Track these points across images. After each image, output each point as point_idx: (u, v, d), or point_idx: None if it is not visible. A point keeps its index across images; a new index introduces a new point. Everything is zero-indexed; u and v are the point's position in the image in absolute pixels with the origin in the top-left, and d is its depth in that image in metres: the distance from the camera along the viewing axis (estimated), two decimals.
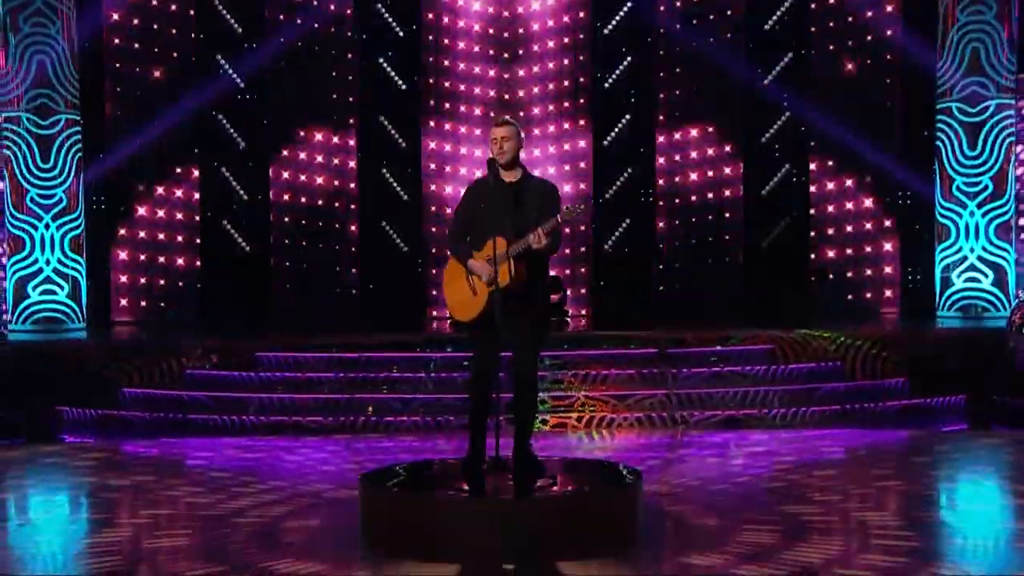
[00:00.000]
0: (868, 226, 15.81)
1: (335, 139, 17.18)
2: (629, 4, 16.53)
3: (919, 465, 9.76)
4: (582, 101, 17.52)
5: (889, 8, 15.29)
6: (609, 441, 11.46)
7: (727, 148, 16.85)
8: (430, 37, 17.45)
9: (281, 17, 16.48)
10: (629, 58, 16.69)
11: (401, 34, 16.89)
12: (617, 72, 16.77)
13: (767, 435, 11.38)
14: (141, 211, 16.16)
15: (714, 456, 10.23)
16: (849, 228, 16.05)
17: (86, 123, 14.68)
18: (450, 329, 7.49)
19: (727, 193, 16.90)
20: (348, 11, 16.93)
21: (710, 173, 17.04)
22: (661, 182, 17.35)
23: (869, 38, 15.58)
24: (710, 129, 17.00)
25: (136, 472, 9.90)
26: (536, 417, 8.04)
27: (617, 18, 16.76)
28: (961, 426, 11.99)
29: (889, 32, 15.24)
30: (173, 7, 15.97)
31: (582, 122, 17.68)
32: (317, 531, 7.38)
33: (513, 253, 6.23)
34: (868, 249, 15.79)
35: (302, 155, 16.92)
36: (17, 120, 14.33)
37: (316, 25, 16.76)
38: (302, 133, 16.93)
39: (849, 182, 15.99)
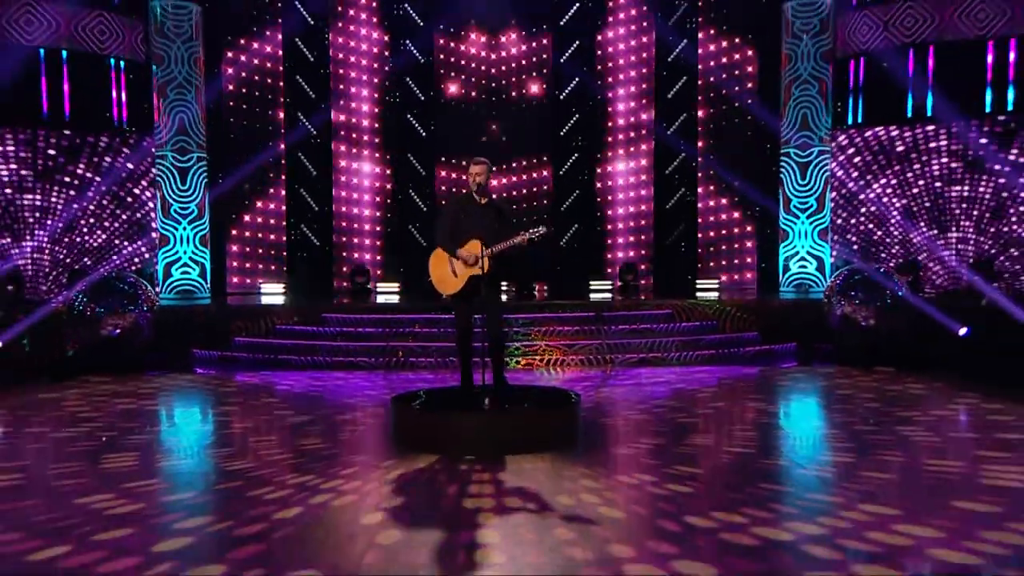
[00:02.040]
0: (736, 230, 15.74)
1: (376, 169, 17.15)
2: (576, 79, 16.44)
3: (765, 388, 10.32)
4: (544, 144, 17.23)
5: (749, 85, 15.21)
6: (561, 375, 11.38)
7: (643, 177, 16.69)
8: (441, 101, 17.20)
9: (340, 87, 16.29)
10: (577, 115, 16.62)
11: (422, 97, 16.79)
12: (568, 124, 16.75)
13: (667, 370, 11.51)
14: (247, 217, 16.11)
15: (631, 384, 10.35)
16: (724, 231, 16.11)
17: (210, 158, 14.64)
18: (436, 300, 7.65)
19: (643, 208, 16.82)
20: (387, 82, 16.73)
21: (631, 193, 16.98)
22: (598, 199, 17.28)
23: (736, 104, 15.36)
24: (631, 164, 16.78)
25: (243, 394, 10.23)
26: (505, 358, 7.90)
27: (569, 88, 16.61)
28: (792, 363, 12.12)
29: (749, 102, 15.09)
30: (268, 80, 15.88)
31: (545, 158, 17.55)
32: (362, 432, 7.75)
33: (496, 252, 6.62)
34: (736, 246, 15.74)
35: (354, 180, 16.89)
36: (164, 157, 14.28)
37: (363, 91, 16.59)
38: (354, 165, 16.83)
39: (724, 201, 15.91)
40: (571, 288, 15.93)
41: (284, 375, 11.47)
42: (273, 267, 16.07)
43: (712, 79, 15.86)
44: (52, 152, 14.33)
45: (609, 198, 17.14)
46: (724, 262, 16.03)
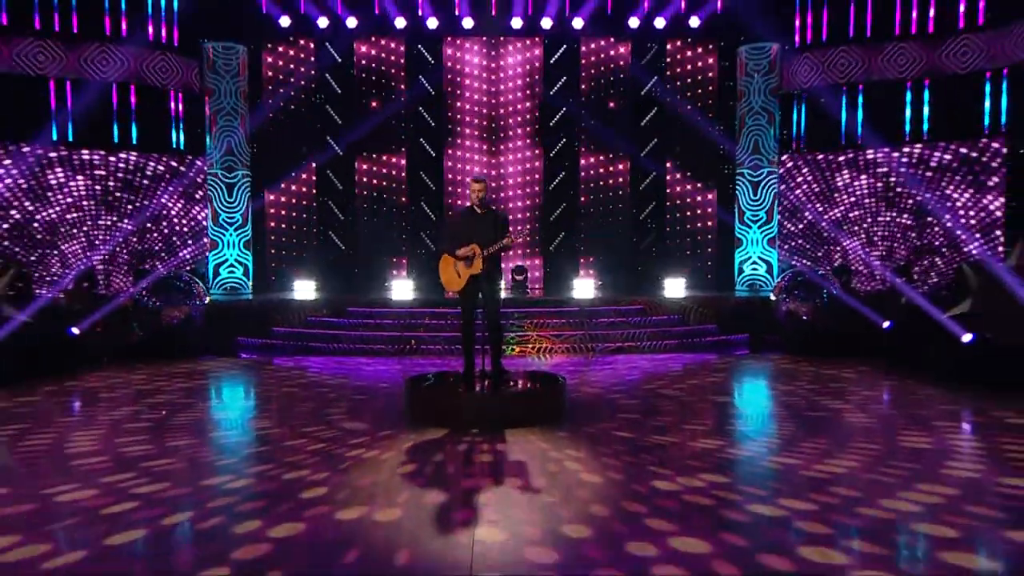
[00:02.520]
0: (699, 238, 15.88)
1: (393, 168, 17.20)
2: (564, 109, 16.51)
3: (721, 371, 10.60)
4: (538, 164, 17.08)
5: (710, 115, 15.36)
6: (549, 361, 11.51)
7: (620, 192, 16.62)
8: (448, 114, 17.04)
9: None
10: (564, 139, 16.65)
11: (433, 124, 16.84)
12: (557, 147, 16.82)
13: (639, 357, 11.71)
14: (283, 225, 16.13)
15: (609, 369, 10.52)
16: (688, 240, 16.21)
17: (253, 175, 14.88)
18: (445, 296, 7.77)
19: (620, 218, 16.75)
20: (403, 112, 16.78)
21: (611, 207, 17.02)
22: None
23: (699, 132, 15.44)
24: (610, 194, 16.75)
25: (280, 375, 10.46)
26: (502, 346, 8.00)
27: (558, 116, 16.64)
28: (745, 351, 12.41)
29: (710, 129, 15.24)
30: (303, 109, 15.95)
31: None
32: (380, 408, 7.81)
33: (487, 253, 6.85)
34: (699, 251, 15.89)
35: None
36: (215, 174, 14.53)
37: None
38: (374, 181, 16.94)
39: (688, 213, 16.10)
40: (559, 287, 15.97)
41: (314, 359, 11.66)
42: (305, 267, 16.13)
43: (679, 110, 15.82)
44: (121, 170, 14.44)
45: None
46: (689, 264, 15.98)
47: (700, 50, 15.55)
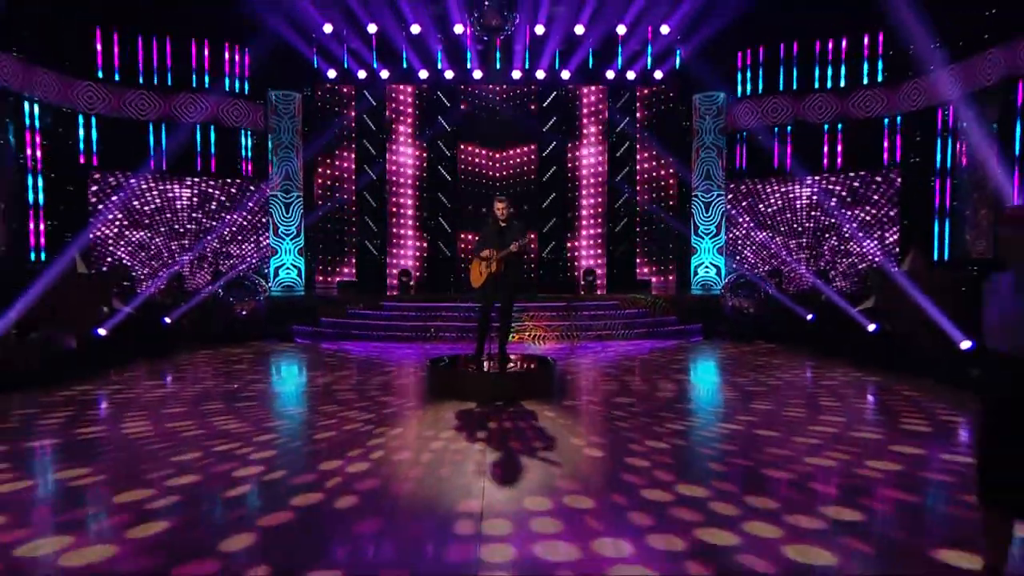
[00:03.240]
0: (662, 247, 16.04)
1: (416, 203, 17.15)
2: (554, 143, 16.61)
3: (680, 352, 10.69)
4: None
5: (670, 149, 15.50)
6: (542, 347, 11.52)
7: (599, 210, 16.65)
8: (460, 145, 17.23)
9: (393, 147, 16.54)
10: (555, 167, 16.78)
11: (448, 153, 17.04)
12: (549, 173, 16.95)
13: (615, 343, 11.80)
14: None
15: (591, 353, 10.59)
16: (655, 247, 16.29)
17: (305, 196, 15.00)
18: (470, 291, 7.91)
19: (600, 230, 16.76)
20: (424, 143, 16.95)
21: (593, 221, 17.03)
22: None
23: (663, 162, 15.55)
24: (593, 211, 16.73)
25: (325, 357, 10.59)
26: (510, 335, 8.04)
27: (550, 148, 16.63)
28: (699, 338, 12.51)
29: (670, 159, 15.37)
30: (344, 143, 16.12)
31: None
32: (408, 385, 7.92)
33: (500, 256, 6.82)
34: (663, 256, 16.00)
35: (401, 211, 17.00)
36: (276, 195, 14.68)
37: (408, 150, 16.73)
38: (401, 200, 16.96)
39: (653, 226, 16.16)
40: (553, 286, 16.01)
41: (354, 344, 11.78)
42: (347, 269, 16.30)
43: (648, 144, 15.93)
44: (203, 192, 14.66)
45: (576, 224, 17.12)
46: (655, 267, 16.10)
47: (663, 97, 15.61)
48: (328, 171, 15.99)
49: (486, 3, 11.82)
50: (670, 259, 15.59)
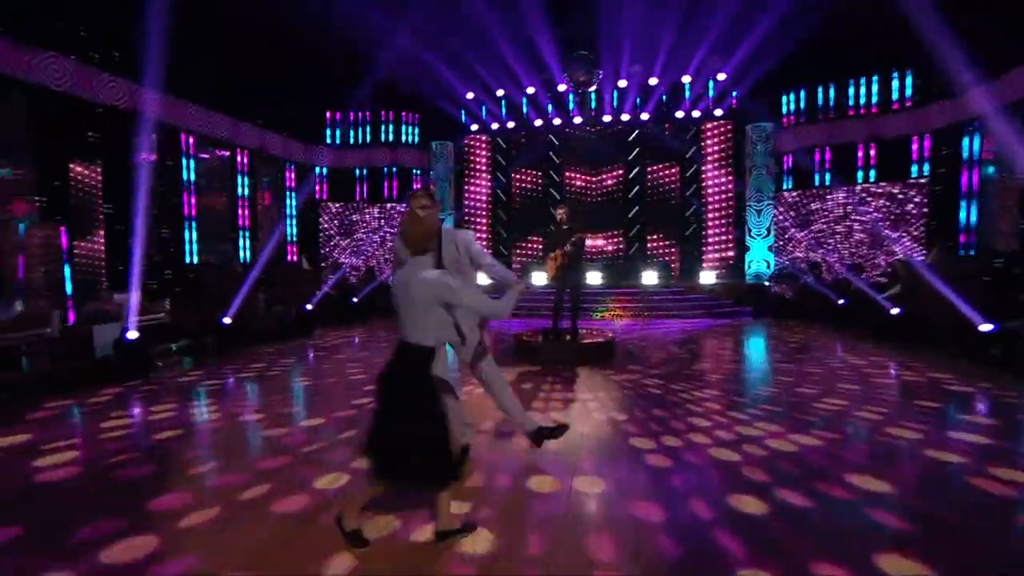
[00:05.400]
0: (723, 245, 14.97)
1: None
2: (636, 168, 16.18)
3: (734, 331, 9.79)
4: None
5: (729, 169, 14.53)
6: (619, 324, 10.90)
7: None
8: (565, 173, 17.26)
9: (514, 173, 16.75)
10: (637, 187, 16.26)
11: (557, 179, 16.92)
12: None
13: (679, 321, 11.23)
14: None
15: (657, 330, 9.91)
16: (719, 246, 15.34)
17: (455, 216, 15.57)
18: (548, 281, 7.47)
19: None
20: (539, 174, 16.95)
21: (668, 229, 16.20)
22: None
23: (723, 180, 14.57)
24: (668, 217, 15.98)
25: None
26: (579, 314, 7.12)
27: (633, 172, 16.18)
28: (749, 318, 11.72)
29: (729, 177, 14.41)
30: (484, 174, 16.63)
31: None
32: (505, 350, 7.55)
33: (561, 252, 6.15)
34: (723, 254, 15.03)
35: None
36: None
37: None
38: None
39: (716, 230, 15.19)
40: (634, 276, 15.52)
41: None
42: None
43: (710, 165, 14.96)
44: (387, 212, 15.48)
45: (654, 229, 16.37)
46: (717, 262, 15.12)
47: (721, 128, 14.66)
48: (472, 189, 16.05)
49: (576, 64, 11.79)
50: (729, 256, 14.59)
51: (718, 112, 14.20)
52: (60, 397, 5.02)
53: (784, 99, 13.78)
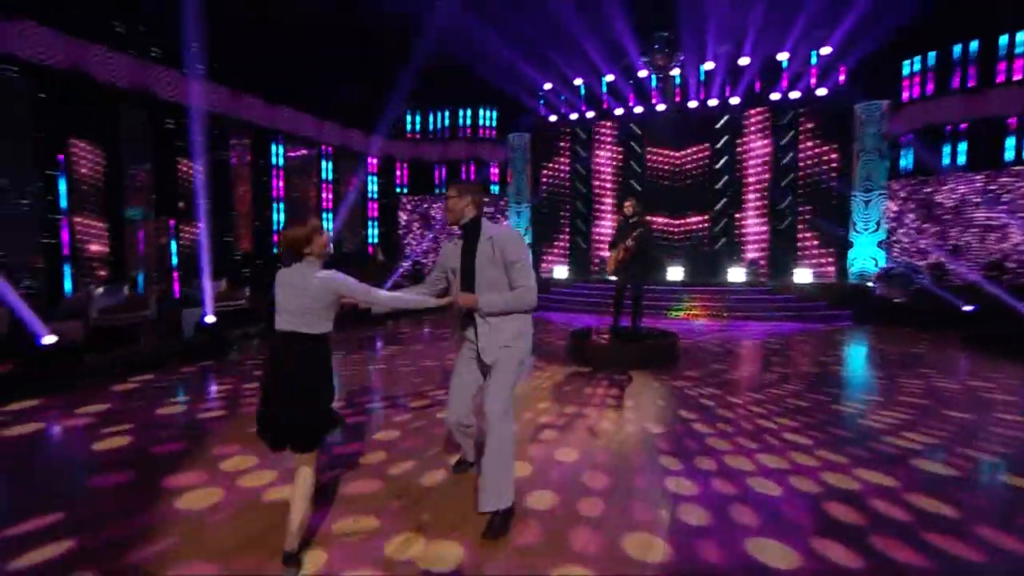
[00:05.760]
0: (815, 242, 13.52)
1: (610, 210, 16.38)
2: (726, 156, 14.86)
3: (826, 337, 8.73)
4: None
5: (834, 158, 12.94)
6: (698, 324, 10.28)
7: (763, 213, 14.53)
8: (646, 162, 16.29)
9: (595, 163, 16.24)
10: (728, 176, 15.04)
11: (638, 170, 16.08)
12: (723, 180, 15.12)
13: (764, 324, 10.29)
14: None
15: (737, 333, 9.08)
16: (807, 244, 13.78)
17: (532, 206, 15.51)
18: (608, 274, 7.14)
19: (763, 228, 14.69)
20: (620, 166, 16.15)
21: (758, 219, 14.91)
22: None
23: (824, 167, 13.04)
24: (757, 203, 14.73)
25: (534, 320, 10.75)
26: (642, 312, 6.63)
27: (722, 161, 14.93)
28: (848, 323, 10.55)
29: (831, 164, 12.84)
30: (561, 167, 16.23)
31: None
32: (558, 347, 7.37)
33: (624, 247, 6.08)
34: (816, 251, 13.53)
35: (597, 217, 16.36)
36: (510, 205, 15.22)
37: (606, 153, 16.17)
38: (599, 208, 16.50)
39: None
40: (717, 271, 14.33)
41: (552, 314, 11.59)
42: (560, 259, 16.37)
43: (810, 152, 13.43)
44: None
45: (743, 223, 15.10)
46: (815, 259, 13.58)
47: (824, 109, 12.92)
48: (550, 172, 15.70)
49: (655, 47, 11.04)
50: (829, 252, 13.08)
51: (822, 91, 12.65)
52: (146, 372, 5.48)
53: (905, 67, 11.90)
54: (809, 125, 13.48)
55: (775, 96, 13.04)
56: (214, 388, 5.08)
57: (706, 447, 3.67)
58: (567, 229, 15.53)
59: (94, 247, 7.92)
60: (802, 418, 4.28)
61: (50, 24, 7.56)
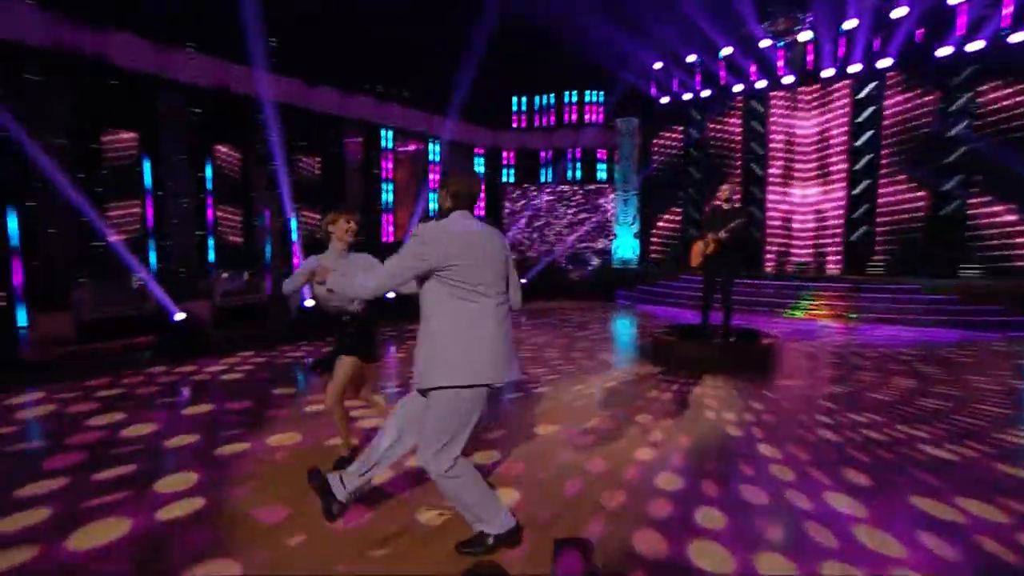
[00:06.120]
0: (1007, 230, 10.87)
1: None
2: (872, 131, 12.57)
3: (996, 353, 6.78)
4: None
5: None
6: (818, 324, 9.12)
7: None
8: (769, 146, 14.60)
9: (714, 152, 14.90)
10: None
11: (760, 152, 14.40)
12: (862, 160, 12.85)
13: (904, 329, 8.65)
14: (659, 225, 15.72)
15: (866, 338, 7.73)
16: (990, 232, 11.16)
17: (639, 194, 14.83)
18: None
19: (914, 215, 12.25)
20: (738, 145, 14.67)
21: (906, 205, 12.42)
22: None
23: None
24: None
25: (637, 314, 10.45)
26: (731, 308, 5.87)
27: (864, 138, 12.75)
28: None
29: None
30: (673, 152, 15.12)
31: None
32: (640, 347, 7.07)
33: (714, 238, 5.47)
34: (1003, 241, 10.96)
35: None
36: (617, 194, 14.72)
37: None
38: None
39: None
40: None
41: (656, 307, 11.31)
42: (662, 251, 15.47)
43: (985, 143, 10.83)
44: (574, 193, 15.60)
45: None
46: (990, 252, 11.04)
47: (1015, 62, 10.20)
48: (660, 173, 15.03)
49: (775, 9, 9.70)
50: (1012, 244, 10.55)
51: (1017, 37, 9.99)
52: (250, 351, 6.02)
53: None
54: (986, 87, 10.89)
55: (945, 51, 10.68)
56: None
57: (744, 477, 3.18)
58: (679, 219, 14.65)
59: (232, 238, 9.23)
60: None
61: (206, 52, 8.84)
